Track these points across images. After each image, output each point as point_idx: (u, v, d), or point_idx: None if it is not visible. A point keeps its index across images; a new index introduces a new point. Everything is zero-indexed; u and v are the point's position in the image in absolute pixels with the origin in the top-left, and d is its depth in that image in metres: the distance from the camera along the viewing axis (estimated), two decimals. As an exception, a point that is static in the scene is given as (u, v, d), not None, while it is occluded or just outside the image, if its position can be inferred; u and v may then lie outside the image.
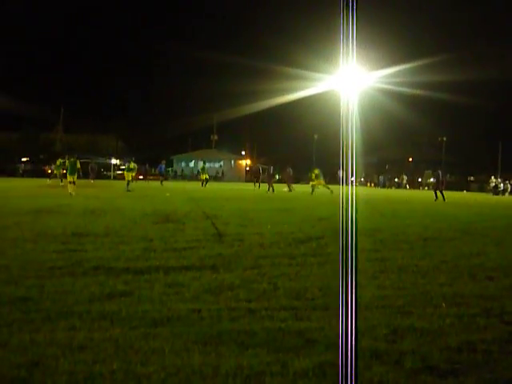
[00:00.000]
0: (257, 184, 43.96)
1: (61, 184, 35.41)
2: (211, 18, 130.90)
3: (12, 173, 76.52)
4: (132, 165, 36.77)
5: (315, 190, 35.76)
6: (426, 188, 77.63)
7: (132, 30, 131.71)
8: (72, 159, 30.77)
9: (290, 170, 41.81)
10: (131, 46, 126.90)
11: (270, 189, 37.56)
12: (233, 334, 4.65)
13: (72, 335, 4.53)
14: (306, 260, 8.45)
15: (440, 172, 33.30)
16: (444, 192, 31.94)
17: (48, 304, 5.49)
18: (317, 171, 36.79)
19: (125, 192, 30.53)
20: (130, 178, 35.69)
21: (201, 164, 46.33)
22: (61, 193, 27.43)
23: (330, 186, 34.67)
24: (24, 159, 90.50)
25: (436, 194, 31.90)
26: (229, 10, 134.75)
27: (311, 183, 36.98)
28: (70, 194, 27.08)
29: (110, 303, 5.60)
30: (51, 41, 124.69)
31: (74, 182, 29.10)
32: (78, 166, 30.58)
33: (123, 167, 62.99)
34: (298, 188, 41.66)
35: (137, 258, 8.30)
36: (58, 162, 41.87)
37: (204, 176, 45.41)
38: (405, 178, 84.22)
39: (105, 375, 3.77)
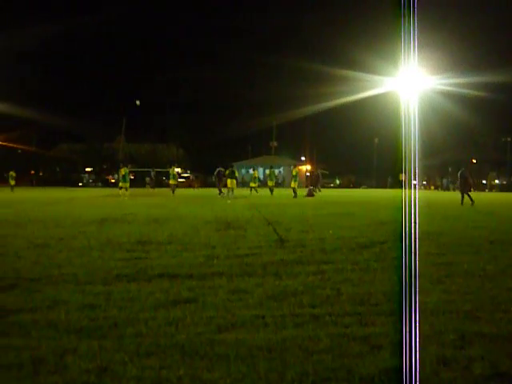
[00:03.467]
0: (316, 189, 43.89)
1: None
2: (270, 18, 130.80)
3: (76, 183, 78.88)
4: (237, 172, 37.45)
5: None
6: (494, 190, 76.08)
7: (188, 33, 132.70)
8: (125, 168, 34.41)
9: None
10: (188, 52, 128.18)
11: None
12: (297, 340, 4.64)
13: (139, 341, 4.61)
14: (370, 265, 8.35)
15: (465, 170, 29.56)
16: (475, 193, 29.44)
17: (115, 311, 5.60)
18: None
19: (224, 199, 32.03)
20: (235, 186, 37.01)
21: (267, 170, 45.33)
22: (124, 202, 28.07)
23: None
24: (88, 169, 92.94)
25: (463, 197, 27.51)
26: (288, 11, 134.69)
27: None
28: (123, 200, 29.67)
29: (174, 309, 5.67)
30: (112, 54, 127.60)
31: (126, 189, 33.80)
32: (130, 174, 34.60)
33: (184, 175, 63.27)
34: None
35: (200, 264, 8.38)
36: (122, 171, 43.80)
37: (271, 183, 42.63)
38: (444, 180, 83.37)
39: (172, 381, 3.83)
